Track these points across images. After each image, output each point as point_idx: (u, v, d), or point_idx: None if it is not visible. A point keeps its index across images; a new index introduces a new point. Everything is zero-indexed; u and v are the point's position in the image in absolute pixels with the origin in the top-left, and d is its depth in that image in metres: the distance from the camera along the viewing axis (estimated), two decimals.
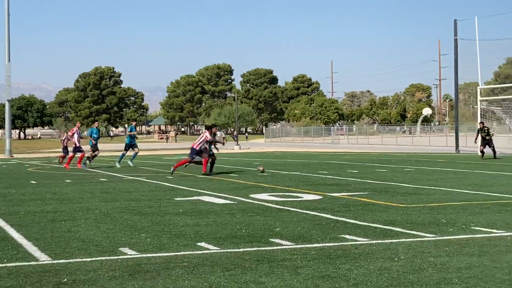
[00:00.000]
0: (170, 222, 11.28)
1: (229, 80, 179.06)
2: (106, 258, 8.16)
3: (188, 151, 24.53)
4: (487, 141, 33.69)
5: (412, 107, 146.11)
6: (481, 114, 42.40)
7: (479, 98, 42.95)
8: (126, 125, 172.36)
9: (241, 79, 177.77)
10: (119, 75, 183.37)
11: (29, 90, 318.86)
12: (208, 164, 24.02)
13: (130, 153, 30.65)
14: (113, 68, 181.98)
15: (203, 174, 23.53)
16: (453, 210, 12.35)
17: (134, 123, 32.94)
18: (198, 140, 24.15)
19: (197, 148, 23.84)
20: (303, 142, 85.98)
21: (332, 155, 39.30)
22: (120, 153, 31.83)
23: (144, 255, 8.30)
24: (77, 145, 29.42)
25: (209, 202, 14.43)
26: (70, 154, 29.97)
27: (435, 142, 60.20)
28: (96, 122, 34.05)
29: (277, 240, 9.29)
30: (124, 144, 31.18)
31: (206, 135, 24.28)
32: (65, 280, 7.04)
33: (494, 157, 33.44)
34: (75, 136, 29.66)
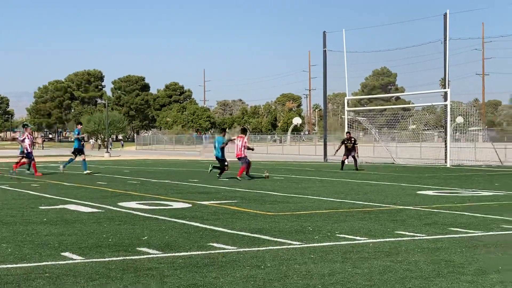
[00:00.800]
0: (33, 231, 10.91)
1: (100, 87, 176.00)
2: None
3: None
4: (350, 152, 32.84)
5: (283, 116, 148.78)
6: (348, 124, 43.77)
7: (346, 108, 44.33)
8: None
9: (112, 85, 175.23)
10: None
11: None
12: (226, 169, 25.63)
13: (79, 158, 29.51)
14: None
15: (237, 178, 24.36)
16: (319, 218, 12.64)
17: (80, 126, 30.95)
18: (239, 148, 25.20)
19: (245, 155, 25.12)
20: (175, 150, 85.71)
21: (203, 163, 39.33)
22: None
23: (4, 266, 7.98)
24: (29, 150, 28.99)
25: (75, 210, 14.10)
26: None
27: (305, 151, 61.59)
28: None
29: (144, 249, 9.18)
30: (73, 149, 30.14)
31: (245, 140, 25.41)
32: None
33: (356, 168, 32.22)
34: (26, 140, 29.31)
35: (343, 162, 32.87)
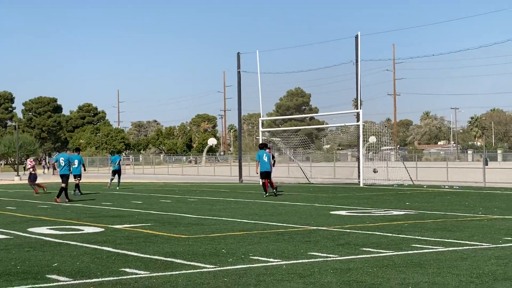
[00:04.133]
0: None
1: (10, 108, 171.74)
2: None
3: None
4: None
5: (198, 137, 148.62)
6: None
7: (261, 129, 44.60)
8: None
9: (23, 107, 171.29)
10: None
11: None
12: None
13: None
14: None
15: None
16: (233, 240, 12.63)
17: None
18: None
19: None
20: (89, 173, 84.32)
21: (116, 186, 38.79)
22: None
23: None
24: None
25: None
26: None
27: (220, 172, 61.56)
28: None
29: (54, 276, 8.97)
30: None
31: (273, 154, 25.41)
32: None
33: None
34: None
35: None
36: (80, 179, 29.86)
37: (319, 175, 44.09)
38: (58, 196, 24.85)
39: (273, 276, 8.85)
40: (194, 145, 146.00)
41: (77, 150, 31.37)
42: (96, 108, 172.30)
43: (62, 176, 25.61)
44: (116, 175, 37.55)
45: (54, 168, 32.63)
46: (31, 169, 33.28)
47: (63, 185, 25.07)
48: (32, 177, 32.76)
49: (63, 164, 25.44)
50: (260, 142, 43.32)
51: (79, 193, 29.33)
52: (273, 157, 33.11)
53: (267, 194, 26.45)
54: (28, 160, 32.42)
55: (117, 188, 35.87)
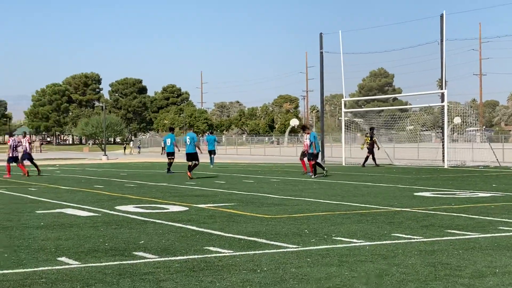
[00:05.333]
0: (30, 236, 10.90)
1: (97, 90, 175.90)
2: None
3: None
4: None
5: (280, 118, 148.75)
6: (345, 125, 43.79)
7: (343, 109, 44.31)
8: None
9: (110, 88, 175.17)
10: None
11: None
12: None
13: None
14: None
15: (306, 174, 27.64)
16: (316, 220, 12.63)
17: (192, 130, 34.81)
18: (307, 144, 27.02)
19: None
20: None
21: (200, 166, 39.32)
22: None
23: (1, 272, 7.97)
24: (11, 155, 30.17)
25: (72, 214, 14.08)
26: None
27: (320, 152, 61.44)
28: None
29: (141, 253, 9.17)
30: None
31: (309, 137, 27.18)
32: None
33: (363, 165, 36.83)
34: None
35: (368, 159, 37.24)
36: (172, 158, 31.40)
37: (402, 156, 43.54)
38: (189, 171, 26.96)
39: (356, 257, 8.81)
40: (276, 126, 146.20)
41: (171, 129, 33.63)
42: (179, 89, 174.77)
43: (187, 154, 27.32)
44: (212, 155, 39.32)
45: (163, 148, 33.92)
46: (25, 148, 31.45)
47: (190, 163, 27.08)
48: (24, 157, 31.31)
49: (188, 143, 27.35)
50: (344, 124, 43.12)
51: (171, 172, 30.60)
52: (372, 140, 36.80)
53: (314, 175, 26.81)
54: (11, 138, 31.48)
55: (211, 167, 37.40)
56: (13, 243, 10.19)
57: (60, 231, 11.50)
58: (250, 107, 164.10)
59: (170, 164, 32.05)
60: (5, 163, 31.10)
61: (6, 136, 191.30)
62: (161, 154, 70.47)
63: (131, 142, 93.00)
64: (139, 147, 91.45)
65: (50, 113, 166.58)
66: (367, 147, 37.29)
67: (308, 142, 27.35)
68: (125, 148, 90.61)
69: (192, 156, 27.23)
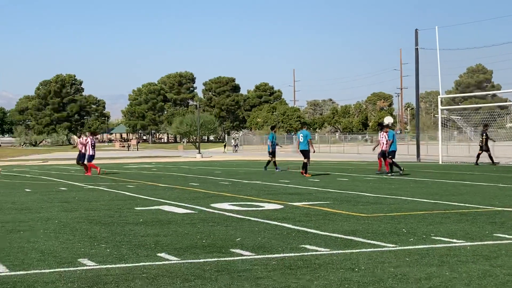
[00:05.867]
0: (130, 232, 11.17)
1: (191, 88, 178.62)
2: (65, 269, 8.04)
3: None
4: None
5: (374, 116, 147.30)
6: (442, 123, 42.93)
7: (440, 107, 43.44)
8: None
9: (203, 87, 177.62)
10: (80, 83, 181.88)
11: None
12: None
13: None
14: (74, 76, 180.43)
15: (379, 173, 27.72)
16: (413, 220, 12.42)
17: (274, 131, 35.12)
18: (383, 143, 27.56)
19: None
20: (265, 151, 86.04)
21: (293, 164, 39.40)
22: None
23: (104, 266, 8.19)
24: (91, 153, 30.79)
25: (169, 211, 14.34)
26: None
27: (397, 151, 60.62)
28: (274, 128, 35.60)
29: (238, 251, 9.25)
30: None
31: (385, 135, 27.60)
32: None
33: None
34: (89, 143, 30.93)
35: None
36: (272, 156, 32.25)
37: (502, 154, 42.32)
38: (304, 171, 27.35)
39: (457, 257, 8.61)
40: (370, 124, 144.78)
41: (272, 128, 34.30)
42: (272, 88, 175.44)
43: (302, 151, 27.66)
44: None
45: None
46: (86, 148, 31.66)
47: (305, 160, 27.47)
48: (83, 156, 31.78)
49: (302, 140, 27.67)
50: (440, 121, 42.26)
51: (274, 169, 31.36)
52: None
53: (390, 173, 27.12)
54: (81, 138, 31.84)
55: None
56: (115, 238, 10.45)
57: (159, 227, 11.73)
58: (343, 105, 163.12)
59: (269, 162, 32.07)
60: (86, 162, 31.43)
61: (105, 135, 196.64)
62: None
63: (232, 140, 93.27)
64: (236, 145, 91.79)
65: (146, 112, 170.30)
66: (479, 145, 36.72)
67: (384, 140, 27.70)
68: (225, 145, 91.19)
69: (304, 154, 27.51)
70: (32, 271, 7.93)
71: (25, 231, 11.36)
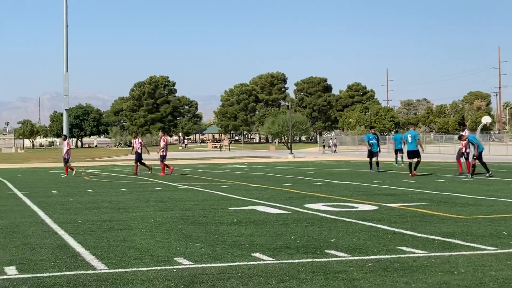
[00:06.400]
0: (224, 232, 11.24)
1: (283, 89, 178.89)
2: (162, 267, 8.15)
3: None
4: None
5: (471, 116, 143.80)
6: None
7: None
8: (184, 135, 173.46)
9: (295, 87, 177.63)
10: (174, 84, 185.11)
11: (86, 99, 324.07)
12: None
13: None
14: (168, 77, 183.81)
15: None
16: None
17: (372, 130, 33.98)
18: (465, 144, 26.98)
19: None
20: (358, 151, 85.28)
21: (387, 165, 38.92)
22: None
23: (199, 265, 8.26)
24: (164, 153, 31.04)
25: (263, 212, 14.36)
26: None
27: (495, 151, 59.08)
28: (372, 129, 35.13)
29: (333, 251, 9.16)
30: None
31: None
32: None
33: None
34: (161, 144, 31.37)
35: None
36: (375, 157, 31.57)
37: None
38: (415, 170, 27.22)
39: None
40: (467, 124, 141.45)
41: (371, 128, 34.21)
42: (365, 87, 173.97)
43: (408, 152, 27.44)
44: (399, 153, 39.09)
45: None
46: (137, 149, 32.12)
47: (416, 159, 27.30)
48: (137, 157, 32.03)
49: (410, 141, 27.44)
50: None
51: (374, 170, 31.00)
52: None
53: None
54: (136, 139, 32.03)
55: (402, 165, 37.59)
56: (209, 238, 10.54)
57: (253, 227, 11.75)
58: (438, 104, 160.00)
59: (372, 163, 31.58)
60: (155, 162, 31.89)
61: (197, 135, 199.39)
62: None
63: (330, 141, 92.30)
64: (335, 145, 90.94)
65: (237, 112, 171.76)
66: None
67: (465, 142, 27.05)
68: (324, 146, 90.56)
69: (414, 154, 27.35)
70: (129, 269, 8.08)
71: (122, 230, 11.60)
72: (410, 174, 26.99)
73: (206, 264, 8.37)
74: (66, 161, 31.75)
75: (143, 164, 31.98)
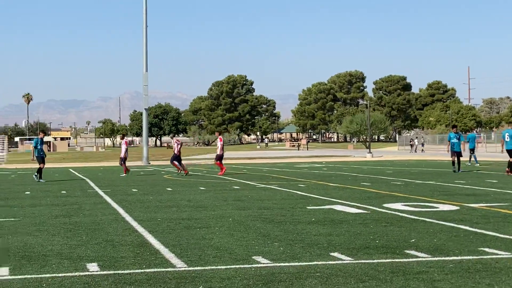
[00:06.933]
0: (302, 231, 11.21)
1: (361, 87, 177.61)
2: (240, 266, 8.19)
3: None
4: None
5: None
6: None
7: None
8: (258, 133, 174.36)
9: (374, 86, 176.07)
10: (251, 83, 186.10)
11: (165, 99, 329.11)
12: None
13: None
14: (246, 77, 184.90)
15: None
16: None
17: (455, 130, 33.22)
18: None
19: None
20: (439, 150, 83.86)
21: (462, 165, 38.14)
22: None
23: (277, 264, 8.26)
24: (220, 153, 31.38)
25: (341, 211, 14.27)
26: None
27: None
28: (454, 128, 34.35)
29: (413, 252, 9.02)
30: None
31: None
32: (201, 287, 7.11)
33: None
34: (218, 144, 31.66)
35: None
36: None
37: None
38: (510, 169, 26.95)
39: None
40: None
41: (454, 127, 33.92)
42: (445, 86, 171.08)
43: (508, 150, 27.14)
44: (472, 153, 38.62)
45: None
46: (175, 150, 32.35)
47: None
48: (174, 157, 32.20)
49: (508, 140, 27.13)
50: None
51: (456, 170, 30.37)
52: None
53: None
54: (175, 140, 31.99)
55: (476, 164, 37.24)
56: (287, 237, 10.53)
57: (331, 227, 11.69)
58: None
59: (454, 162, 30.77)
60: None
61: (275, 134, 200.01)
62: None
63: (416, 140, 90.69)
64: (422, 144, 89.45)
65: (315, 111, 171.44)
66: None
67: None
68: (411, 145, 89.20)
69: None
70: (208, 267, 8.15)
71: (201, 228, 11.71)
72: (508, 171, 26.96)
73: (284, 263, 8.36)
74: (123, 160, 32.26)
75: (181, 164, 32.20)
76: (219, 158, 31.26)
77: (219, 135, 32.87)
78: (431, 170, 33.03)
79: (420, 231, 11.04)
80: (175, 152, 32.23)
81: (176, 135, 39.66)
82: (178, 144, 32.42)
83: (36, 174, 27.71)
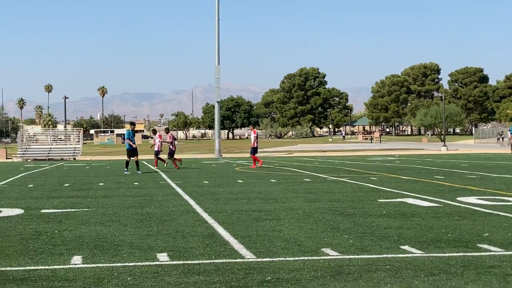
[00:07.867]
0: (372, 223, 11.10)
1: (436, 80, 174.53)
2: (309, 258, 8.17)
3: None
4: None
5: None
6: None
7: None
8: (330, 126, 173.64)
9: (449, 78, 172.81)
10: (324, 76, 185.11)
11: (237, 92, 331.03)
12: None
13: None
14: (318, 69, 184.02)
15: None
16: None
17: None
18: None
19: None
20: None
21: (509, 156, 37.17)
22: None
23: (346, 257, 8.21)
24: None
25: (413, 204, 14.07)
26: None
27: None
28: None
29: (485, 246, 8.83)
30: None
31: None
32: (269, 278, 7.12)
33: None
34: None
35: None
36: None
37: None
38: None
39: None
40: None
41: None
42: None
43: None
44: None
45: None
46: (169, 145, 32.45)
47: None
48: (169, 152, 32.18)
49: None
50: None
51: None
52: None
53: None
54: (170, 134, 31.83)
55: None
56: (357, 230, 10.45)
57: (402, 220, 11.54)
58: None
59: None
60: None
61: (348, 127, 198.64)
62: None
63: (509, 132, 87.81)
64: (503, 138, 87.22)
65: (389, 104, 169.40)
66: None
67: None
68: (501, 138, 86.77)
69: None
70: (277, 259, 8.15)
71: (270, 220, 11.73)
72: None
73: (353, 255, 8.30)
74: (157, 153, 32.43)
75: (160, 158, 32.37)
76: (254, 151, 31.55)
77: (253, 128, 34.49)
78: (508, 164, 32.25)
79: (494, 225, 10.80)
80: (157, 149, 32.57)
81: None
82: (160, 141, 32.74)
83: (138, 169, 27.81)
